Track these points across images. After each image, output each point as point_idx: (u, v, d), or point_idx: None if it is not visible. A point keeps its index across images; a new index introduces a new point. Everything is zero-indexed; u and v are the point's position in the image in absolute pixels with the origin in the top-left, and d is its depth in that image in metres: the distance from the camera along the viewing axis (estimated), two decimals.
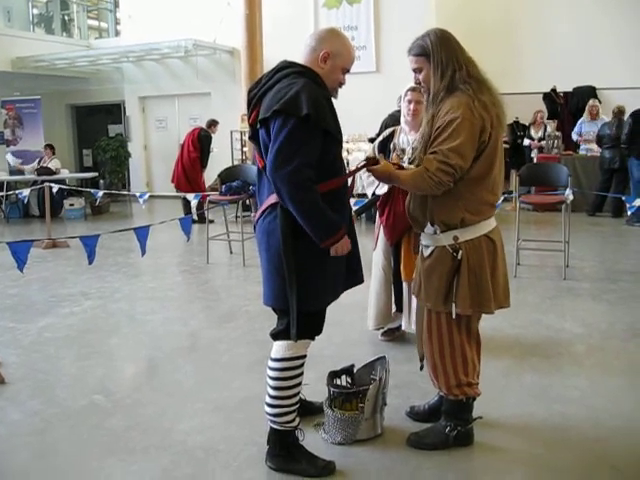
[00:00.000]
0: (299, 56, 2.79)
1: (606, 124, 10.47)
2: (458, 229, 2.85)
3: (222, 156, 12.37)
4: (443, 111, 2.76)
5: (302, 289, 2.70)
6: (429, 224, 2.91)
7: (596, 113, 11.24)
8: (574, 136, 11.49)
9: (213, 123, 11.35)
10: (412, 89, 4.18)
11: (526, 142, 11.67)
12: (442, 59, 2.78)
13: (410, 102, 4.21)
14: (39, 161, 12.33)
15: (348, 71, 2.86)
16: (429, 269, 2.95)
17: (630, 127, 9.81)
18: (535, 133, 11.66)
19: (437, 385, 3.08)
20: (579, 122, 11.48)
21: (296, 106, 2.51)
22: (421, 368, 3.31)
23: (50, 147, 12.50)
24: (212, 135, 11.26)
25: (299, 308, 2.72)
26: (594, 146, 10.96)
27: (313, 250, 2.68)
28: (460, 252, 2.84)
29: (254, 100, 2.78)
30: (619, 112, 10.30)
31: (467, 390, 3.01)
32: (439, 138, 2.73)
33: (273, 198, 2.71)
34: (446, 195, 2.80)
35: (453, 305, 2.87)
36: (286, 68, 2.73)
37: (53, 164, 12.22)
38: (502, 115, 2.83)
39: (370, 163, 2.97)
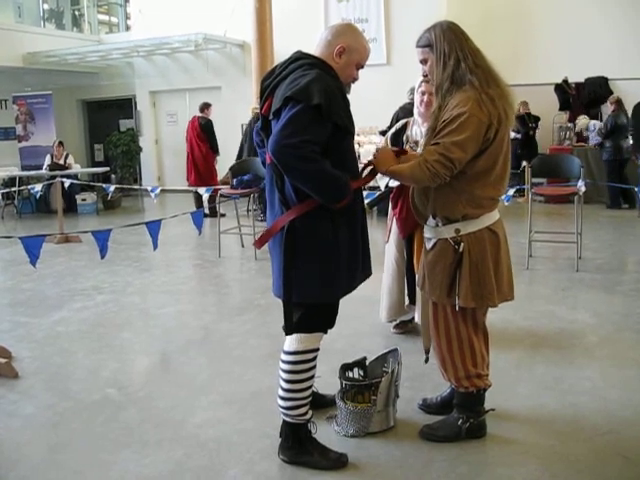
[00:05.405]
0: (314, 49, 2.78)
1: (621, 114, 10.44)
2: (460, 222, 2.84)
3: (233, 150, 12.36)
4: (452, 105, 2.73)
5: (315, 281, 2.70)
6: (431, 217, 2.91)
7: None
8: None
9: (205, 106, 11.02)
10: (426, 80, 4.17)
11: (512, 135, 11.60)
12: (444, 49, 2.77)
13: (423, 93, 4.18)
14: (51, 157, 12.31)
15: (362, 67, 2.85)
16: (432, 262, 2.95)
17: None
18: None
19: (446, 377, 3.08)
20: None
21: (308, 95, 2.49)
22: (426, 361, 3.34)
23: (61, 144, 12.50)
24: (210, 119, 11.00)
25: (313, 300, 2.72)
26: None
27: (328, 242, 2.69)
28: (462, 245, 2.83)
29: (267, 90, 2.77)
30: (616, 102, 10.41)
31: (476, 381, 3.00)
32: (444, 131, 2.71)
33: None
34: (449, 190, 2.80)
35: (456, 298, 2.87)
36: (300, 59, 2.71)
37: (69, 160, 12.27)
38: (509, 108, 2.79)
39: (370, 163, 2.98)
